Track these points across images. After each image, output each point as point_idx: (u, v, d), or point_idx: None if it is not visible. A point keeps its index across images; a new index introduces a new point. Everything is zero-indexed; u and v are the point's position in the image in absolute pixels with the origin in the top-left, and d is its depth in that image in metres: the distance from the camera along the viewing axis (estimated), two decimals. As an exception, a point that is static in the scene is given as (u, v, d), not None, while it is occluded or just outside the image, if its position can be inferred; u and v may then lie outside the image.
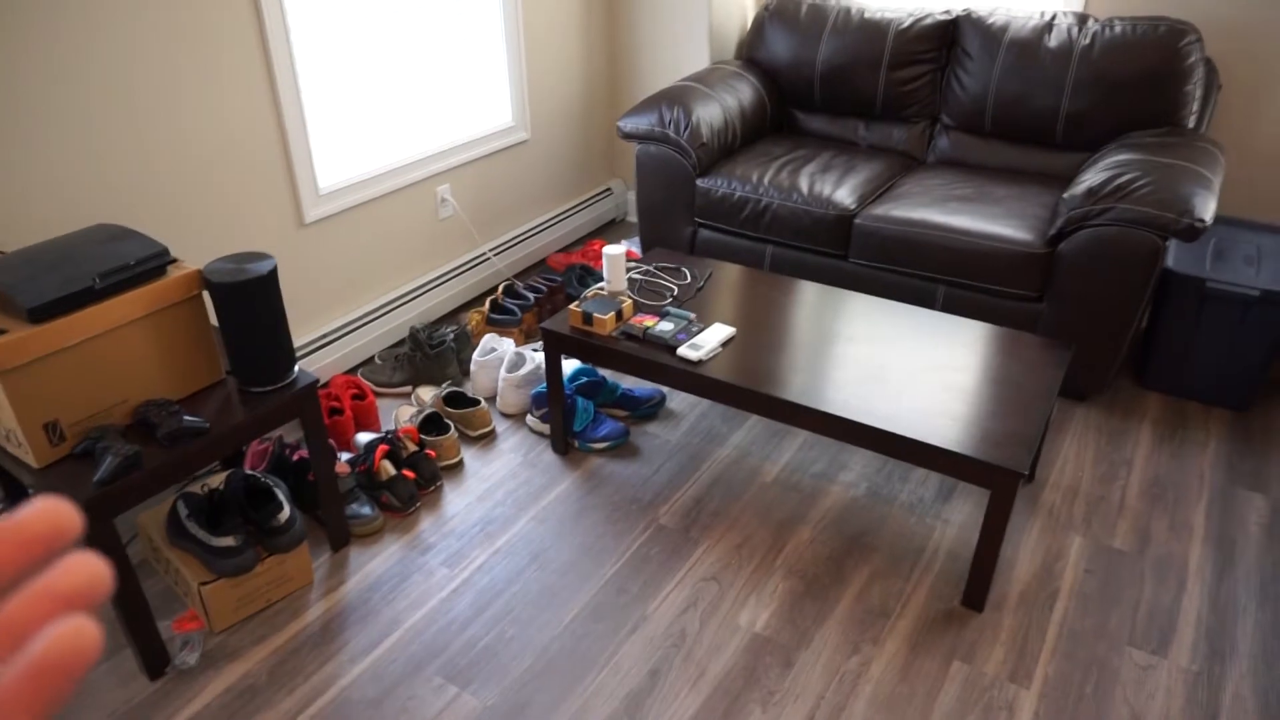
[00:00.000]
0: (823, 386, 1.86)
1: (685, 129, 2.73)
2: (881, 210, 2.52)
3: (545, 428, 2.37)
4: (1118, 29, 2.57)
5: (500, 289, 2.88)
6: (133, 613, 1.61)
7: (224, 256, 1.71)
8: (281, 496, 1.82)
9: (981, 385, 1.86)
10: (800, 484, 2.18)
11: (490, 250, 3.11)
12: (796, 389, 1.85)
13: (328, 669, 1.71)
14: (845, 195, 2.59)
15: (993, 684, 1.67)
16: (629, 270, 2.35)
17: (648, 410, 2.42)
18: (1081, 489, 2.15)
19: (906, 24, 2.87)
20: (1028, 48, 2.67)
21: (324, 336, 2.55)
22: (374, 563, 1.97)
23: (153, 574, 1.93)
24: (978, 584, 1.79)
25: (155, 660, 1.67)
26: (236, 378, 1.75)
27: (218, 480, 1.98)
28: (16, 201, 1.82)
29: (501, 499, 2.16)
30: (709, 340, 1.99)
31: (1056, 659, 1.71)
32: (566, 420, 2.28)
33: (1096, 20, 2.63)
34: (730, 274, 2.35)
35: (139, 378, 1.62)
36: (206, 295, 2.09)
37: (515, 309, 2.78)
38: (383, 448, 2.11)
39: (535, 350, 2.59)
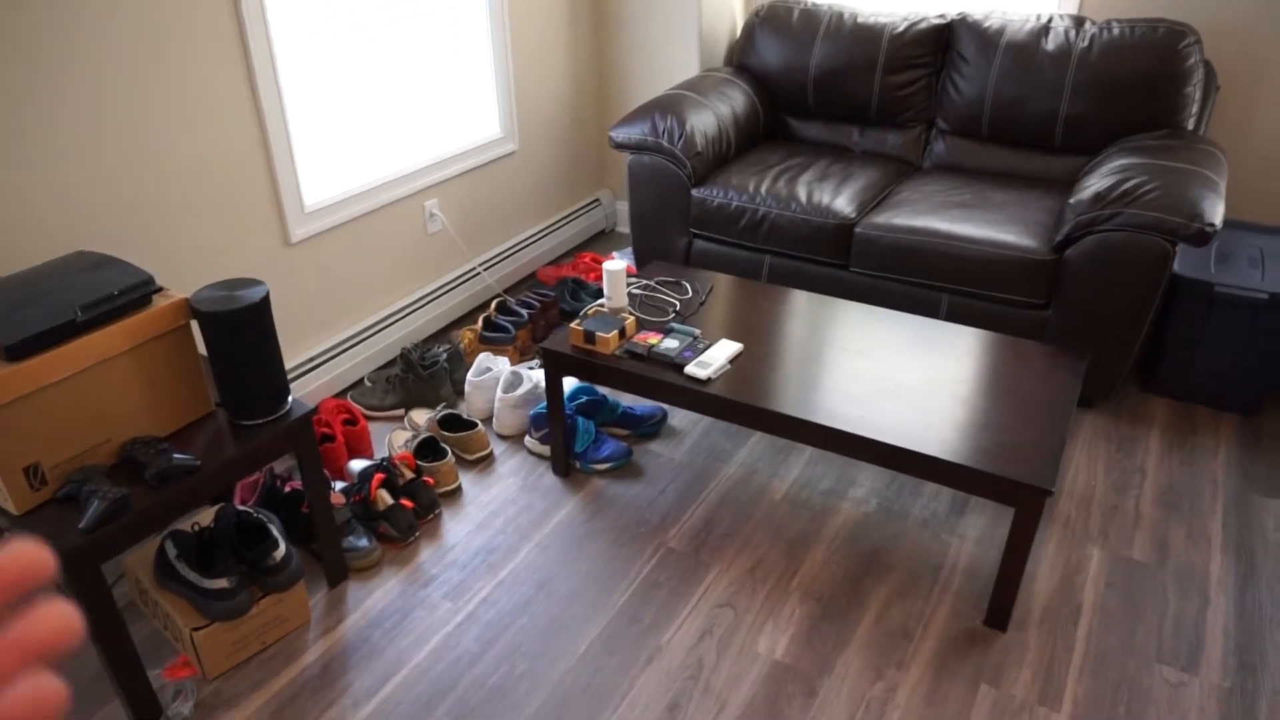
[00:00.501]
0: (833, 401, 1.80)
1: (679, 138, 2.67)
2: (882, 218, 2.47)
3: (545, 449, 2.30)
4: (1116, 31, 2.54)
5: (493, 305, 2.81)
6: (120, 660, 1.52)
7: (212, 284, 1.63)
8: (276, 533, 1.74)
9: (996, 397, 1.81)
10: (810, 501, 2.13)
11: (480, 265, 3.03)
12: (806, 405, 1.80)
13: (330, 714, 1.63)
14: (844, 204, 2.54)
15: (1022, 708, 1.62)
16: (628, 285, 2.29)
17: (650, 429, 2.36)
18: (1096, 498, 2.11)
19: (901, 28, 2.83)
20: (1024, 51, 2.64)
21: (311, 359, 2.46)
22: (373, 598, 1.89)
23: (140, 617, 1.84)
24: (1001, 603, 1.74)
25: (146, 711, 1.58)
26: (227, 410, 1.67)
27: (207, 517, 1.89)
28: (-12, 229, 1.72)
29: (503, 526, 2.08)
30: (716, 357, 1.93)
31: (1085, 679, 1.67)
32: (567, 441, 2.21)
33: (1094, 23, 2.60)
34: (731, 287, 2.29)
35: (124, 414, 1.53)
36: (194, 324, 2.00)
37: (509, 326, 2.71)
38: (379, 476, 2.03)
39: (531, 369, 2.52)
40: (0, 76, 1.67)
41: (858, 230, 2.48)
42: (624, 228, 3.68)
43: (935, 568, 1.93)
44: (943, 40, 2.81)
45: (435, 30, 2.69)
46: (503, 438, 2.39)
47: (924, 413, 1.77)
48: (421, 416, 2.40)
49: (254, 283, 1.62)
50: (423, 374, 2.44)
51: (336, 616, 1.84)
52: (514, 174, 3.13)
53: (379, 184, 2.56)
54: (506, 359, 2.51)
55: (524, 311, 2.76)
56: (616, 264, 2.08)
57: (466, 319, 3.01)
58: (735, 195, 2.65)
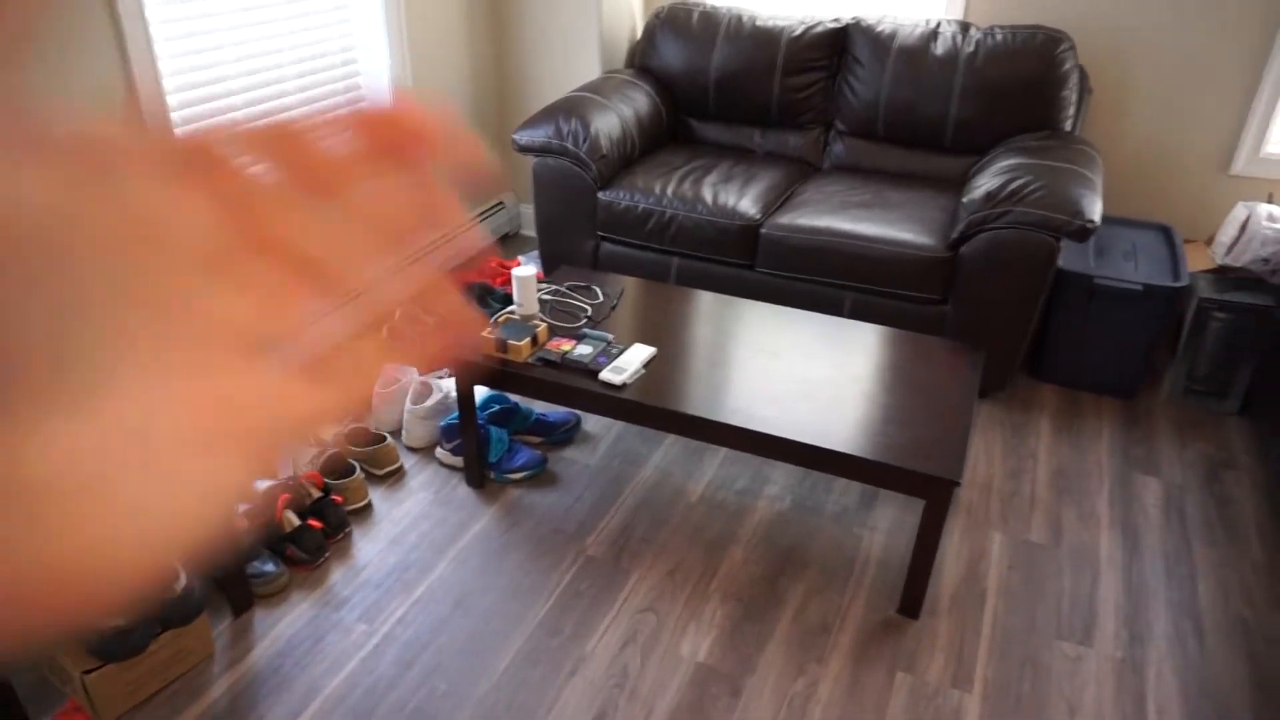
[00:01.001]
0: (745, 402, 1.82)
1: (584, 141, 2.66)
2: (786, 219, 2.52)
3: (457, 460, 2.25)
4: (999, 37, 2.66)
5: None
6: (2, 711, 1.41)
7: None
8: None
9: (902, 392, 1.87)
10: (726, 502, 2.15)
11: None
12: (719, 407, 1.81)
13: (241, 751, 1.55)
14: (749, 205, 2.58)
15: (936, 691, 1.67)
16: (538, 291, 2.26)
17: (563, 435, 2.34)
18: (995, 485, 2.21)
19: (798, 31, 2.89)
20: (915, 55, 2.73)
21: (205, 376, 2.34)
22: (282, 624, 1.81)
23: (22, 665, 1.71)
24: (913, 592, 1.80)
25: (34, 764, 1.47)
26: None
27: (95, 549, 1.76)
28: None
29: (416, 541, 2.03)
30: (630, 362, 1.93)
31: (994, 660, 1.74)
32: (481, 452, 2.17)
33: (979, 28, 2.72)
34: (640, 290, 2.29)
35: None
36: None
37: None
38: (284, 496, 1.94)
39: (441, 378, 2.46)
40: None
41: (763, 231, 2.52)
42: (530, 231, 3.64)
43: (849, 561, 1.98)
44: (839, 44, 2.89)
45: (327, 27, 2.59)
46: (413, 450, 2.33)
47: (833, 410, 1.81)
48: (327, 431, 2.31)
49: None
50: (326, 387, 2.35)
51: (243, 647, 1.75)
52: (414, 178, 3.04)
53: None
54: (414, 369, 2.44)
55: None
56: (526, 270, 2.05)
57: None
58: (642, 198, 2.65)
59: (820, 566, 1.96)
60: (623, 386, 1.87)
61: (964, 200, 2.35)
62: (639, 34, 3.31)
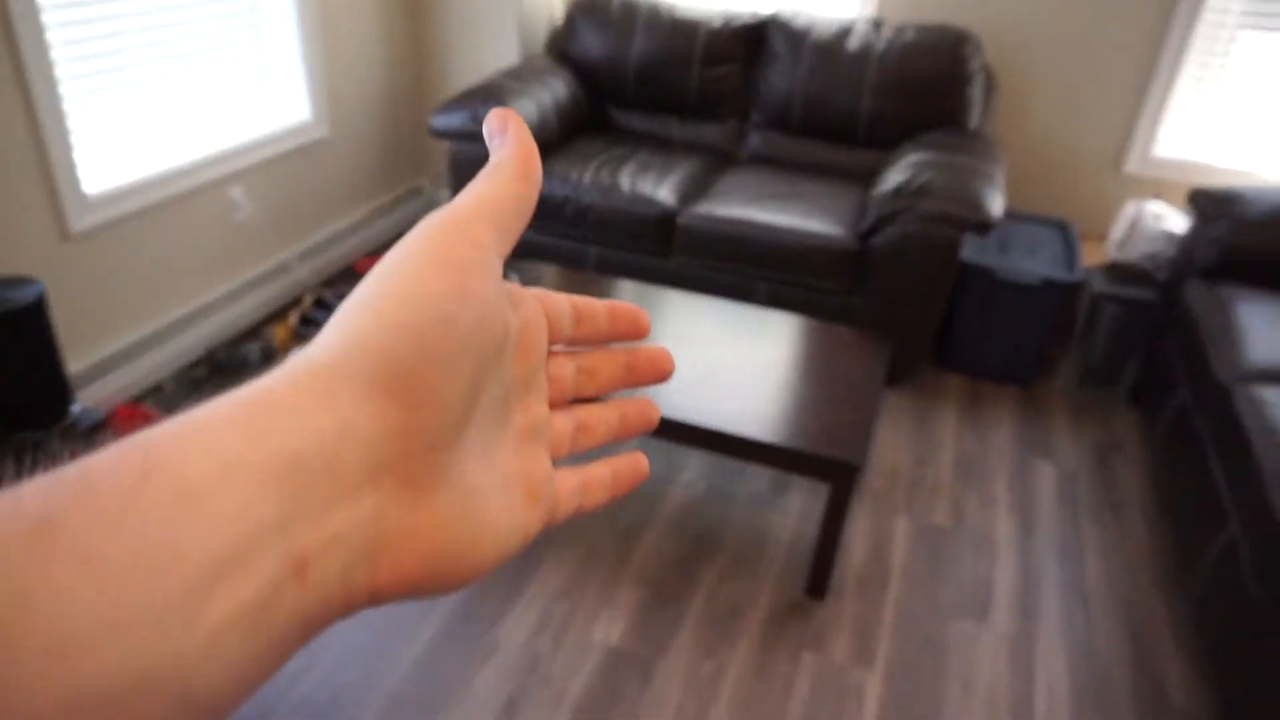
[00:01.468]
0: (660, 390, 1.84)
1: (502, 127, 2.63)
2: (703, 209, 2.55)
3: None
4: (909, 35, 2.73)
5: (307, 300, 2.66)
6: None
7: (-29, 283, 1.44)
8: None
9: (812, 380, 1.91)
10: (642, 487, 2.17)
11: (293, 256, 2.86)
12: (632, 395, 1.82)
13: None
14: (666, 194, 2.60)
15: (841, 670, 1.73)
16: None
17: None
18: (901, 471, 2.28)
19: (718, 24, 2.91)
20: (830, 50, 2.79)
21: (102, 362, 2.24)
22: (182, 619, 1.75)
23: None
24: (820, 574, 1.85)
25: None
26: (-4, 425, 1.49)
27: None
28: None
29: (327, 531, 1.98)
30: (545, 350, 1.92)
31: (895, 639, 1.80)
32: (394, 440, 2.13)
33: (891, 26, 2.78)
34: (557, 278, 2.29)
35: None
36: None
37: (325, 321, 2.57)
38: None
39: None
40: None
41: (680, 220, 2.54)
42: (448, 217, 3.58)
43: (760, 545, 2.02)
44: (756, 37, 2.92)
45: (233, 6, 2.50)
46: (323, 439, 2.28)
47: (744, 397, 1.84)
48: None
49: (27, 281, 1.45)
50: (231, 375, 2.28)
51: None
52: (327, 161, 2.97)
53: (176, 170, 2.36)
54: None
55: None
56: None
57: (279, 315, 2.84)
58: (559, 185, 2.65)
59: (733, 551, 2.00)
60: (537, 374, 1.87)
61: (873, 194, 2.41)
62: (559, 20, 3.29)
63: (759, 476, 2.23)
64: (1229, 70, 2.74)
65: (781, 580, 1.93)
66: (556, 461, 0.31)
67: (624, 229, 2.60)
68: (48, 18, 1.97)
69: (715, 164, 2.90)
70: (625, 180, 2.64)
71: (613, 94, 3.08)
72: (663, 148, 2.94)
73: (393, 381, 0.22)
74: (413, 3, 3.21)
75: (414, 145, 3.45)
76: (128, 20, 2.19)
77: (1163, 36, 2.73)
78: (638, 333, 0.34)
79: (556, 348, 0.32)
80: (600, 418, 0.33)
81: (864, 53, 2.75)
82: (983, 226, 2.26)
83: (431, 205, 3.56)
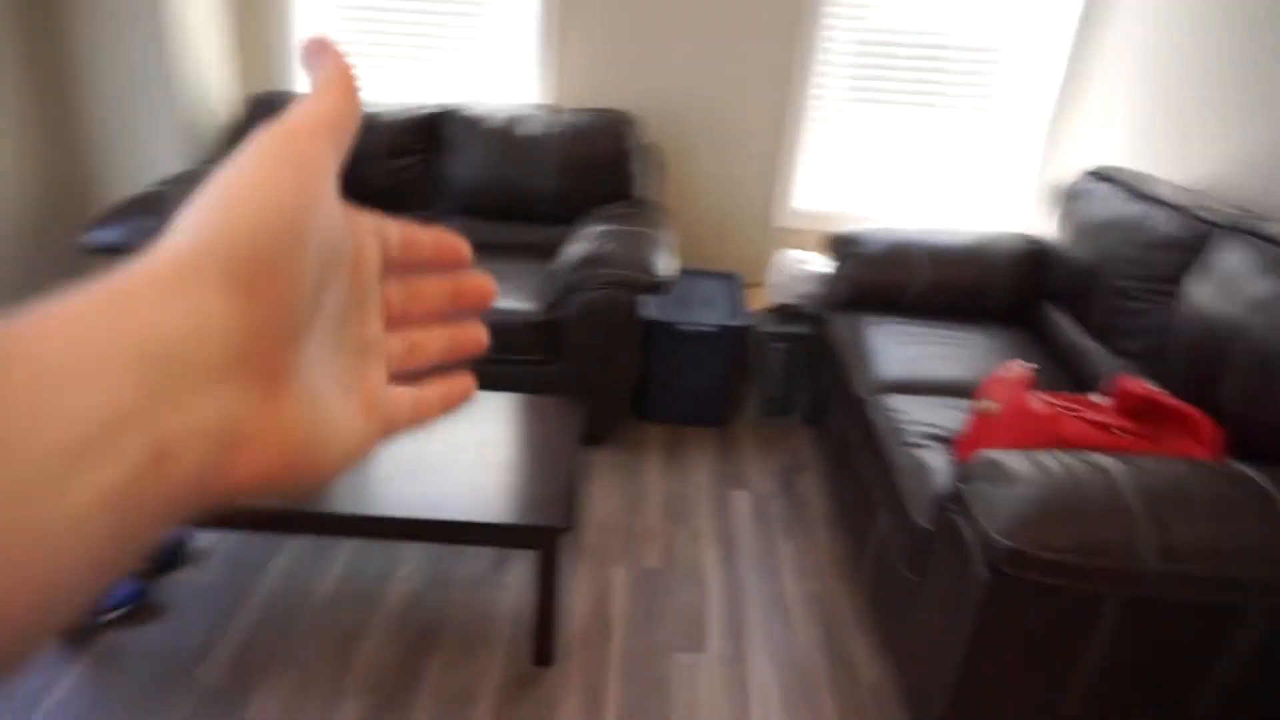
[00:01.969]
0: (361, 490, 1.81)
1: (163, 239, 2.48)
2: (393, 300, 2.55)
3: (34, 610, 1.94)
4: (577, 118, 2.96)
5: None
6: None
7: None
8: None
9: (512, 453, 1.97)
10: (358, 591, 2.10)
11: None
12: (333, 497, 1.78)
13: None
14: (354, 289, 2.58)
15: (573, 730, 1.76)
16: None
17: (168, 557, 2.13)
18: (614, 524, 2.40)
19: (399, 117, 2.97)
20: (506, 136, 2.94)
21: None
22: None
23: None
24: (543, 640, 1.89)
25: None
26: None
27: None
28: None
29: (-18, 716, 1.72)
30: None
31: (623, 686, 1.87)
32: (62, 594, 1.90)
33: (559, 110, 3.00)
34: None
35: None
36: None
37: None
38: None
39: None
40: None
41: (370, 314, 2.53)
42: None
43: (485, 624, 2.02)
44: (435, 127, 3.02)
45: None
46: (-27, 610, 1.97)
47: (450, 481, 1.86)
48: None
49: None
50: None
51: None
52: (-44, 293, 2.63)
53: None
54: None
55: None
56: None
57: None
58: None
59: (458, 637, 1.98)
60: (218, 493, 1.76)
61: (556, 267, 2.56)
62: (232, 120, 3.19)
63: (479, 556, 2.24)
64: (843, 133, 3.23)
65: (509, 655, 1.94)
66: (391, 379, 0.32)
67: (313, 329, 2.54)
68: None
69: (405, 254, 2.93)
70: (309, 280, 2.59)
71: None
72: (349, 243, 2.92)
73: (248, 277, 0.23)
74: (56, 119, 2.97)
75: (71, 263, 3.15)
76: None
77: (784, 110, 3.17)
78: (459, 261, 0.35)
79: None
80: (432, 338, 0.35)
81: (538, 136, 2.93)
82: (655, 287, 2.47)
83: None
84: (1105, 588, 1.43)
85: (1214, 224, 2.07)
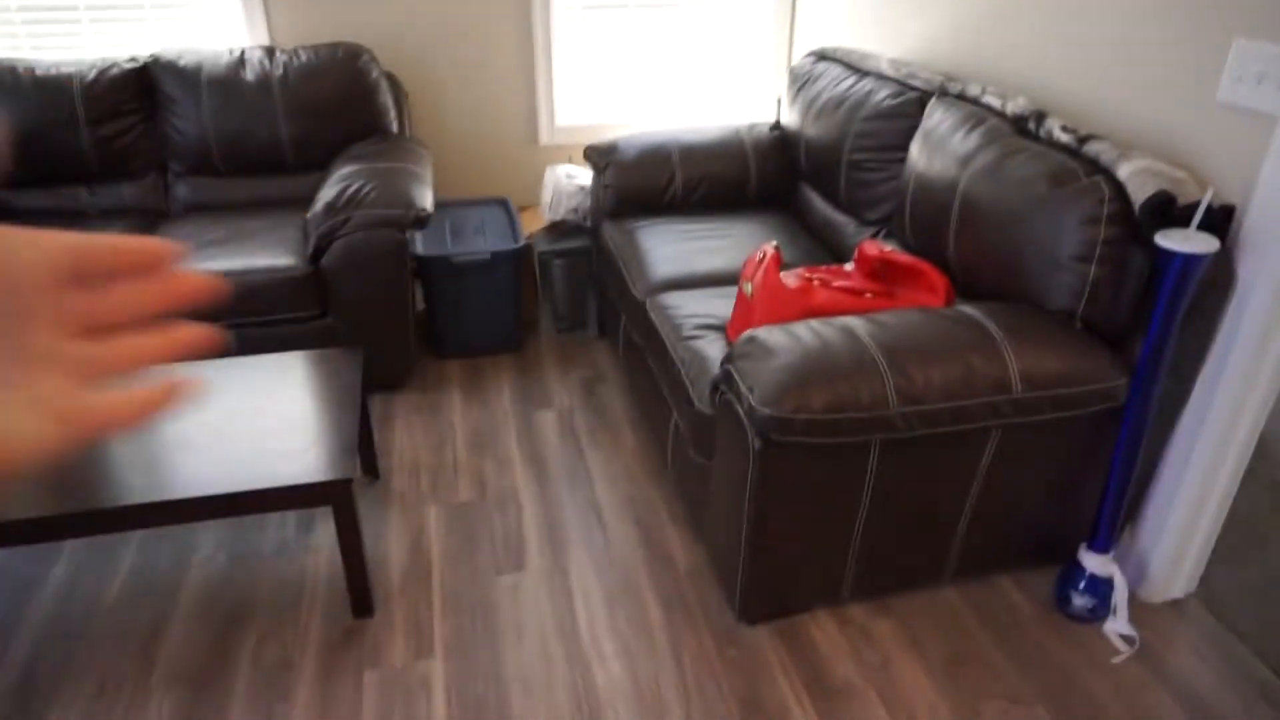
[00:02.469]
0: (136, 476, 1.69)
1: None
2: (135, 274, 2.34)
3: None
4: (303, 57, 2.76)
5: None
6: None
7: None
8: None
9: (295, 411, 1.89)
10: (153, 585, 1.98)
11: None
12: (108, 492, 1.65)
13: None
14: (88, 269, 2.34)
15: (404, 671, 1.77)
16: None
17: (-81, 595, 1.91)
18: (421, 465, 2.37)
19: (91, 76, 2.66)
20: (228, 85, 2.71)
21: None
22: None
23: None
24: (359, 592, 1.87)
25: None
26: None
27: None
28: None
29: None
30: (-41, 484, 1.64)
31: (448, 620, 1.89)
32: None
33: (283, 51, 2.79)
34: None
35: None
36: None
37: None
38: None
39: None
40: None
41: (111, 294, 2.31)
42: None
43: (298, 590, 1.97)
44: (145, 84, 2.73)
45: None
46: None
47: (230, 453, 1.76)
48: None
49: None
50: None
51: None
52: None
53: None
54: None
55: None
56: None
57: None
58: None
59: (270, 607, 1.92)
60: (-45, 515, 1.59)
61: (308, 215, 2.43)
62: (-112, 102, 2.74)
63: (283, 524, 2.16)
64: (594, 42, 3.22)
65: (328, 613, 1.90)
66: (99, 383, 0.34)
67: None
68: None
69: (144, 224, 2.68)
70: (30, 267, 2.32)
71: (-10, 174, 2.67)
72: (76, 221, 2.64)
73: None
74: None
75: None
76: None
77: (530, 27, 3.11)
78: (162, 263, 0.36)
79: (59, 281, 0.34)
80: (143, 341, 0.36)
81: (264, 81, 2.72)
82: (419, 221, 2.40)
83: None
84: (862, 438, 1.58)
85: (925, 90, 2.25)
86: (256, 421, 1.87)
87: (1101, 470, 1.81)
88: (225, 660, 1.79)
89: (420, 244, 2.74)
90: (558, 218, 2.92)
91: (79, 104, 2.64)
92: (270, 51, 2.78)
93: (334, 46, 2.80)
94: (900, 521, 1.76)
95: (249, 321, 2.40)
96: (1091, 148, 1.74)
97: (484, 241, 2.77)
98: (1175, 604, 1.92)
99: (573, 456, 2.41)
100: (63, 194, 2.76)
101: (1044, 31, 2.08)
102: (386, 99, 2.86)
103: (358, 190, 2.40)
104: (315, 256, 2.41)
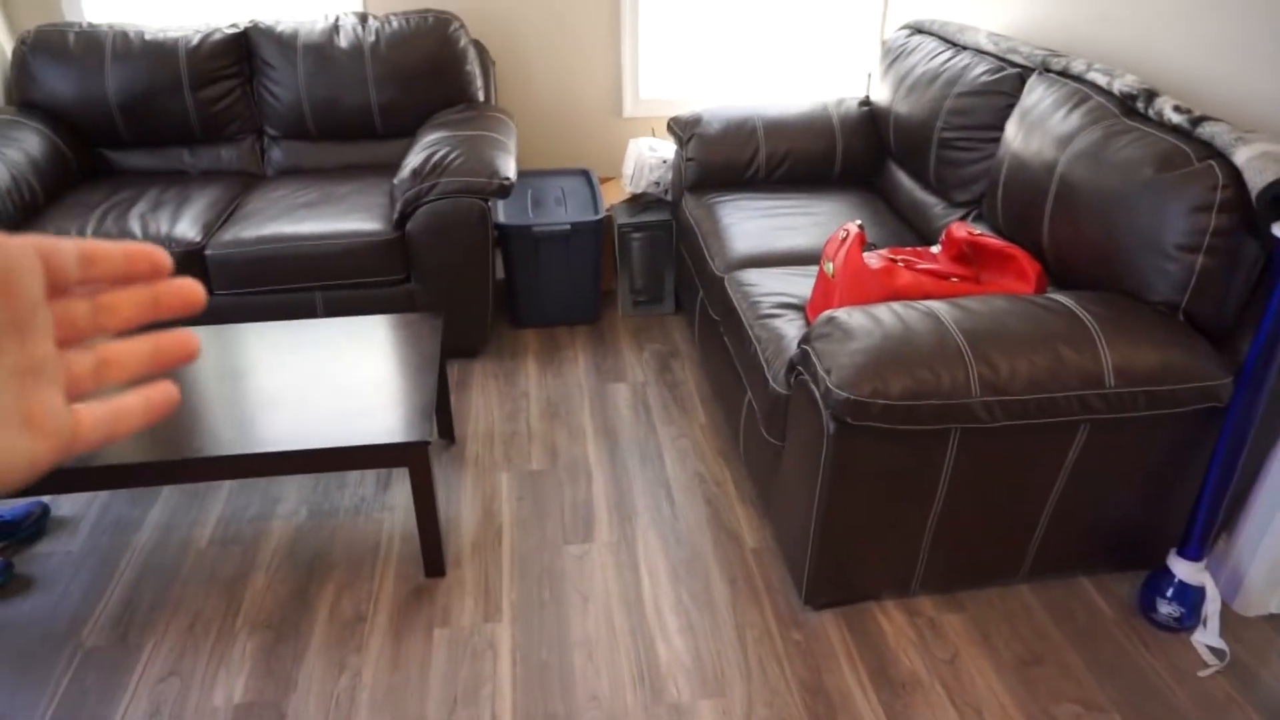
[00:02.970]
0: (227, 430, 1.76)
1: (-42, 198, 2.28)
2: (230, 235, 2.43)
3: (-113, 606, 1.85)
4: (395, 24, 2.80)
5: None
6: None
7: None
8: None
9: (371, 374, 1.94)
10: (240, 534, 2.07)
11: None
12: (201, 443, 1.73)
13: None
14: (187, 228, 2.44)
15: (472, 633, 1.81)
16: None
17: (30, 530, 2.04)
18: (496, 432, 2.41)
19: (195, 41, 2.75)
20: (322, 51, 2.77)
21: None
22: None
23: None
24: (431, 552, 1.92)
25: None
26: None
27: None
28: None
29: None
30: (67, 429, 1.74)
31: (517, 585, 1.93)
32: (-87, 586, 1.81)
33: (376, 18, 2.83)
34: (77, 347, 2.06)
35: None
36: None
37: None
38: None
39: None
40: None
41: (208, 252, 2.40)
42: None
43: (373, 548, 2.03)
44: (244, 49, 2.81)
45: None
46: None
47: (315, 411, 1.82)
48: None
49: None
50: None
51: None
52: None
53: None
54: None
55: None
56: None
57: None
58: (58, 247, 2.36)
59: (346, 562, 1.99)
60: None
61: (395, 181, 2.47)
62: (9, 66, 2.89)
63: (361, 483, 2.23)
64: (684, 14, 3.17)
65: (401, 571, 1.96)
66: (83, 396, 0.33)
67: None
68: None
69: (240, 186, 2.77)
70: (135, 224, 2.43)
71: (101, 136, 2.80)
72: (177, 181, 2.74)
73: None
74: None
75: None
76: None
77: (619, 1, 3.09)
78: (156, 271, 0.36)
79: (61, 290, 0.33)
80: (129, 351, 0.35)
81: (357, 48, 2.77)
82: (501, 190, 2.42)
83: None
84: (941, 426, 1.54)
85: (1025, 66, 2.15)
86: (339, 382, 1.92)
87: (1198, 473, 1.72)
88: (304, 610, 1.87)
89: (502, 213, 2.76)
90: (639, 190, 2.91)
91: (183, 68, 2.74)
92: (364, 18, 2.83)
93: (424, 14, 2.83)
94: (977, 514, 1.71)
95: (335, 284, 2.47)
96: (1206, 129, 1.63)
97: (564, 212, 2.78)
98: (1271, 619, 1.82)
99: (644, 431, 2.42)
100: (166, 155, 2.87)
101: (1158, 2, 1.95)
102: (474, 67, 2.88)
103: (443, 157, 2.44)
104: (400, 222, 2.45)
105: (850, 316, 1.61)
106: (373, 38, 2.78)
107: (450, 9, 3.01)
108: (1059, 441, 1.63)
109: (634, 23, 3.12)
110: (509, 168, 2.47)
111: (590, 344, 2.82)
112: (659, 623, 1.83)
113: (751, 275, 2.18)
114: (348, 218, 2.48)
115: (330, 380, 1.93)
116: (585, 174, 3.07)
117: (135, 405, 0.36)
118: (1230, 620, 1.81)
